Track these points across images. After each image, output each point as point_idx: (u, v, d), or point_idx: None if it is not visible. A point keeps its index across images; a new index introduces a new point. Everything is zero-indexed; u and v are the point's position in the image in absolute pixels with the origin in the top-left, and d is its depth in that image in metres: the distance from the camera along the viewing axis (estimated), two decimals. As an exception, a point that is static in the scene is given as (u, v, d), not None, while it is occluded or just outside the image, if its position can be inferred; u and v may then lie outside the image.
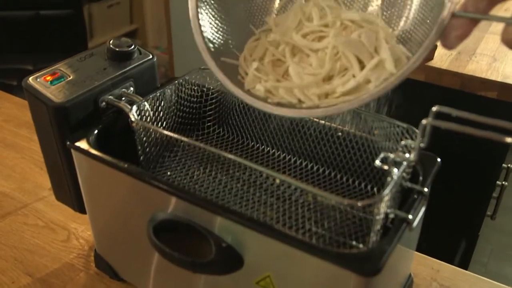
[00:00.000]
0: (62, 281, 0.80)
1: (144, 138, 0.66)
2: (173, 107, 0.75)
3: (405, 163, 0.55)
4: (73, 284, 0.79)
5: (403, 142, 0.59)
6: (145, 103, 0.69)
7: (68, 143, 0.67)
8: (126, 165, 0.63)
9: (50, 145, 0.72)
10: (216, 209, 0.57)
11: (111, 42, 0.75)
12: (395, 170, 0.54)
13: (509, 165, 1.49)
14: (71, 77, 0.71)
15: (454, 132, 0.46)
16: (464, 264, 1.60)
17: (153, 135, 0.67)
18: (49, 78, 0.70)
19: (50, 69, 0.72)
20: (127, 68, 0.74)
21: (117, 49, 0.74)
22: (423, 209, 0.58)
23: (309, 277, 0.54)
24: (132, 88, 0.75)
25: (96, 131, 0.69)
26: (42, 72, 0.71)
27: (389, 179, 0.55)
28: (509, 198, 2.18)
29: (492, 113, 0.48)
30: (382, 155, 0.55)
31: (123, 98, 0.73)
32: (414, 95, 1.40)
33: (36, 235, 0.89)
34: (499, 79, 1.27)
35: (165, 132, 0.63)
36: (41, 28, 2.44)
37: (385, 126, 0.64)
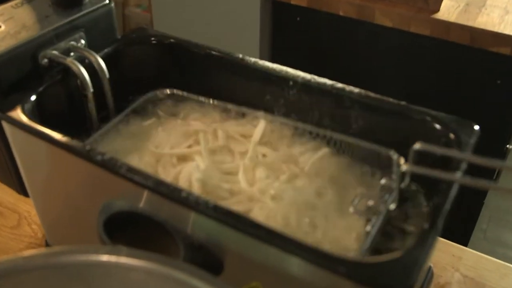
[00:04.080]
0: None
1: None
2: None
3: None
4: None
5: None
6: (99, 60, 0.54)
7: (-2, 112, 0.52)
8: (72, 142, 0.49)
9: (-20, 114, 0.58)
10: (185, 200, 0.43)
11: (56, -17, 0.61)
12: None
13: None
14: (2, 27, 0.58)
15: None
16: (466, 232, 1.57)
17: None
18: (-26, 28, 0.56)
19: (-24, 17, 0.57)
20: (76, 16, 0.62)
21: (63, -8, 0.61)
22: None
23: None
24: (83, 41, 0.63)
25: (34, 96, 0.56)
26: (-35, 22, 0.57)
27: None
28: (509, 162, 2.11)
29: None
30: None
31: (71, 54, 0.61)
32: (419, 51, 1.33)
33: (-19, 221, 0.75)
34: (512, 33, 1.23)
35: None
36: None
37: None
